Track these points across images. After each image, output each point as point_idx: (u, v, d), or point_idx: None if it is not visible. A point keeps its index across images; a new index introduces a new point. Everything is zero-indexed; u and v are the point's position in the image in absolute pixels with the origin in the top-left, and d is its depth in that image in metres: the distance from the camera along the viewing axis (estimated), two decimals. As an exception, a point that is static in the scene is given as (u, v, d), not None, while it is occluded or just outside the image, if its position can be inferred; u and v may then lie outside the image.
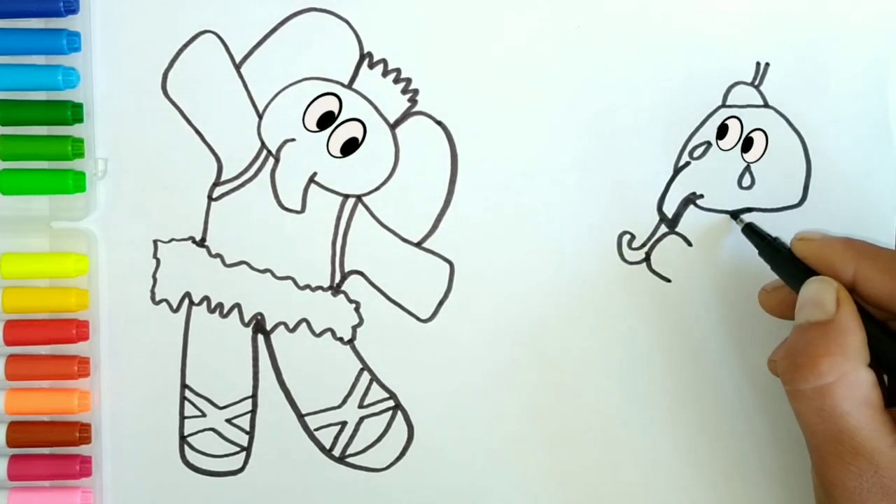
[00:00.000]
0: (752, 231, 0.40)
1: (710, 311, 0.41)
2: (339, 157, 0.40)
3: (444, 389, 0.41)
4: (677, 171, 0.41)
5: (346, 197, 0.40)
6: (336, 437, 0.41)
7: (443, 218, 0.40)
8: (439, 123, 0.40)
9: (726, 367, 0.41)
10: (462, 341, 0.41)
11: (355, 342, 0.41)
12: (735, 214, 0.40)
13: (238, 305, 0.40)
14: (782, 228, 0.40)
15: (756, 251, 0.39)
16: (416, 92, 0.40)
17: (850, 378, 0.33)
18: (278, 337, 0.41)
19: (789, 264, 0.37)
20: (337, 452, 0.41)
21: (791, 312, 0.36)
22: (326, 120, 0.40)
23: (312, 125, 0.40)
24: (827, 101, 0.41)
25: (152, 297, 0.40)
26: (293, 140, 0.40)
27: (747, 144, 0.41)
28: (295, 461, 0.40)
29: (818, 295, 0.34)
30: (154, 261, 0.40)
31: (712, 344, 0.41)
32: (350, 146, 0.40)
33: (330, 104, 0.40)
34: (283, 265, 0.40)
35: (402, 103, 0.40)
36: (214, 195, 0.40)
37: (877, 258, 0.35)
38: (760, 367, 0.40)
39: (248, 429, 0.41)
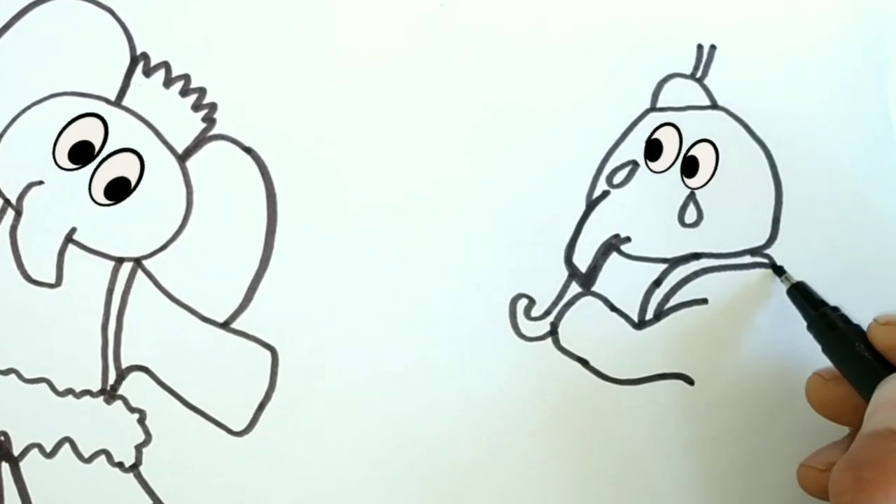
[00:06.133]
0: (801, 296, 0.35)
1: (645, 405, 0.37)
2: (108, 205, 0.36)
3: (269, 530, 0.37)
4: (592, 205, 0.38)
5: (120, 261, 0.36)
6: None
7: (259, 285, 0.36)
8: (248, 150, 0.36)
9: (675, 489, 0.37)
10: (291, 461, 0.36)
11: (141, 468, 0.36)
12: (779, 269, 0.36)
13: (-29, 423, 0.36)
14: (742, 281, 0.38)
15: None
16: (213, 108, 0.36)
17: None
18: (31, 465, 0.35)
19: (858, 353, 0.33)
20: None
21: (850, 415, 0.34)
22: (86, 152, 0.36)
23: (66, 161, 0.36)
24: (800, 97, 0.39)
25: None
26: (40, 183, 0.36)
27: (690, 163, 0.38)
28: None
29: None
30: None
31: (651, 453, 0.37)
32: (121, 188, 0.36)
33: (91, 130, 0.36)
34: (34, 363, 0.35)
35: (195, 124, 0.36)
36: (-70, 267, 0.36)
37: None
38: (726, 485, 0.37)
39: None
